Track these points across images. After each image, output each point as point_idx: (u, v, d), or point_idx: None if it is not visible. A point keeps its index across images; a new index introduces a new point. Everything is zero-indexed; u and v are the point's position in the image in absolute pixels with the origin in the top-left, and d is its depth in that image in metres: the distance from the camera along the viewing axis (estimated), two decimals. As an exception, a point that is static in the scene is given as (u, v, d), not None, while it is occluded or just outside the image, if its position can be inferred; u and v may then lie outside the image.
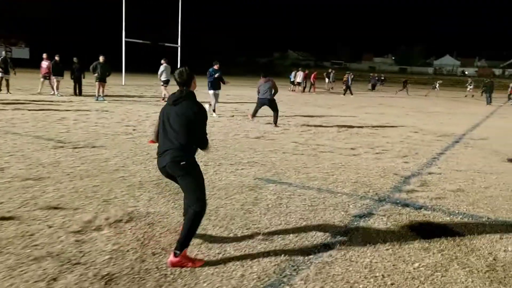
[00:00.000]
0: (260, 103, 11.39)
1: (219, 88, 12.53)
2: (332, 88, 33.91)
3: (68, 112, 12.00)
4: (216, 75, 12.27)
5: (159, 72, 16.77)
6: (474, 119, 16.13)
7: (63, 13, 70.12)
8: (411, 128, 12.22)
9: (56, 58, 17.37)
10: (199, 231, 3.54)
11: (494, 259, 3.53)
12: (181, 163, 3.24)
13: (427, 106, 22.08)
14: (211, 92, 12.36)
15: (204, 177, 5.69)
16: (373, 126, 12.24)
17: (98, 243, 3.50)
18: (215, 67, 12.36)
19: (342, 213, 4.54)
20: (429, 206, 4.90)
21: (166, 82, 16.97)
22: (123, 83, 28.14)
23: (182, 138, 3.24)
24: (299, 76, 28.21)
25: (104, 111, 12.56)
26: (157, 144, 3.48)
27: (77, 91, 17.67)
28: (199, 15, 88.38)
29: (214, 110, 12.57)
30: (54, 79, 17.40)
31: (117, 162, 6.25)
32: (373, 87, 40.08)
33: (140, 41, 29.64)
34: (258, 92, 11.32)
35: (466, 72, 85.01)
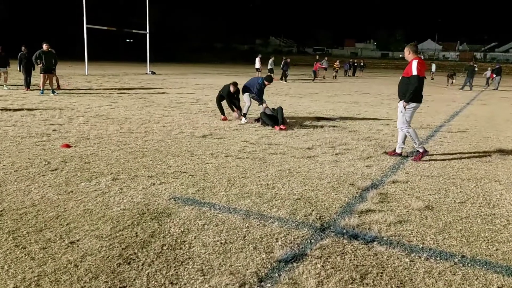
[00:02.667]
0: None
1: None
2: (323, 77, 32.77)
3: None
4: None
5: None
6: (453, 107, 15.02)
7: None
8: (382, 120, 11.02)
9: None
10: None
11: None
12: None
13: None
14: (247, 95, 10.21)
15: (101, 199, 4.32)
16: (342, 118, 11.00)
17: None
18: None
19: (263, 255, 3.27)
20: (385, 238, 3.66)
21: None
22: (86, 73, 26.41)
23: None
24: (257, 62, 27.35)
25: (37, 109, 11.04)
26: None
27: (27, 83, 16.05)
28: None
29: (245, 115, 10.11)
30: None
31: (-7, 180, 4.86)
32: (353, 73, 39.34)
33: (104, 27, 27.75)
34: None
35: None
